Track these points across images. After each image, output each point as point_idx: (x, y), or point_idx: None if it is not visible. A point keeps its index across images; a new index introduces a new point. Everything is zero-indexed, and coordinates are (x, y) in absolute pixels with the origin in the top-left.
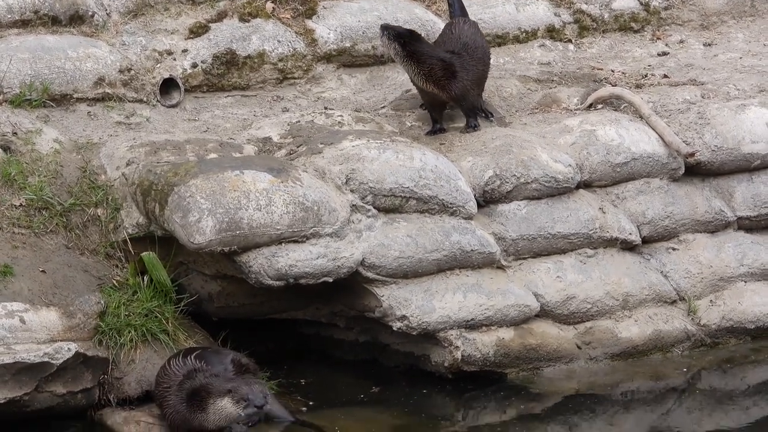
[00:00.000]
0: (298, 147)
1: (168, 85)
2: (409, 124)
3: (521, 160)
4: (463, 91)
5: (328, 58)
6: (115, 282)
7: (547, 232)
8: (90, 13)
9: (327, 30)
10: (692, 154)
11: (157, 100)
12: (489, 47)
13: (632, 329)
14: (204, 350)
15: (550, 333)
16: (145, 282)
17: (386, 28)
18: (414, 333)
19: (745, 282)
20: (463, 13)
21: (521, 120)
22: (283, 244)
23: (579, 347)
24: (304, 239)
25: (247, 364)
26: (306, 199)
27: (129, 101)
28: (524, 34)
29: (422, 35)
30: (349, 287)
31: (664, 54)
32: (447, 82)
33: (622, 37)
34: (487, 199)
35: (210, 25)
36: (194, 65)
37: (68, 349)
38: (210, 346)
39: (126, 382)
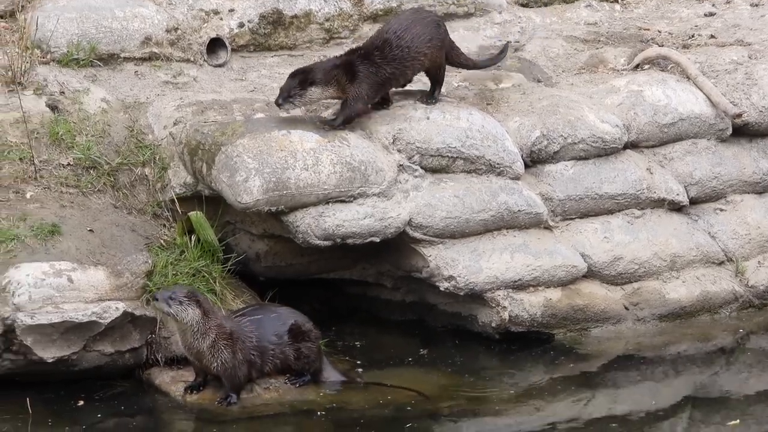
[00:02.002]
0: None
1: (215, 45)
2: (456, 84)
3: (568, 120)
4: (356, 94)
5: (374, 17)
6: (162, 241)
7: (594, 193)
8: None
9: None
10: (739, 115)
11: (204, 60)
12: (435, 36)
13: (680, 290)
14: (264, 316)
15: (598, 294)
16: (193, 242)
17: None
18: (461, 293)
19: None
20: None
21: (568, 80)
22: (330, 204)
23: (626, 308)
24: (351, 199)
25: (308, 332)
26: (353, 159)
27: (176, 61)
28: None
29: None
30: (396, 247)
31: (711, 14)
32: (348, 85)
33: None
34: (534, 160)
35: None
36: (241, 25)
37: (116, 308)
38: (276, 307)
39: (174, 342)
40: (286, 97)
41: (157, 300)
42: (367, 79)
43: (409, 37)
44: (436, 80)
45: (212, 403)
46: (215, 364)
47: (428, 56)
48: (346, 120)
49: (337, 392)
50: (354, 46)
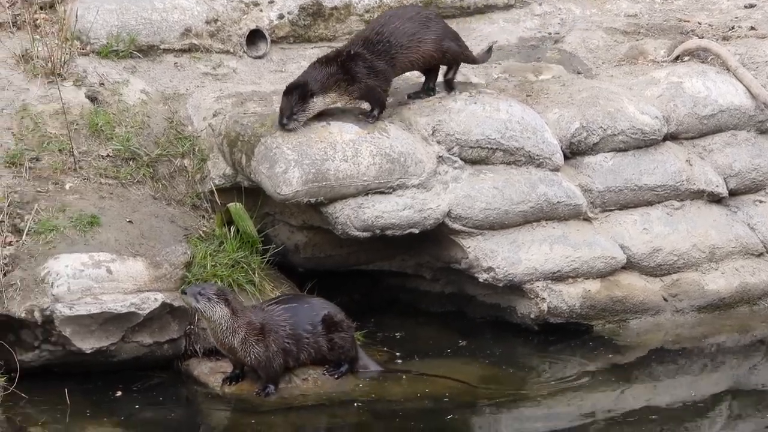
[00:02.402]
0: None
1: (254, 36)
2: (496, 76)
3: (608, 111)
4: (366, 91)
5: None
6: (201, 232)
7: (633, 184)
8: None
9: None
10: None
11: (244, 51)
12: (420, 31)
13: (719, 282)
14: (298, 305)
15: (637, 285)
16: (232, 233)
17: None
18: (500, 285)
19: None
20: None
21: (608, 72)
22: (369, 195)
23: (665, 299)
24: (391, 190)
25: (340, 322)
26: (392, 151)
27: (215, 52)
28: None
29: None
30: (435, 239)
31: (752, 6)
32: (350, 87)
33: None
34: (573, 151)
35: None
36: (281, 16)
37: (155, 299)
38: (308, 298)
39: None
40: (289, 116)
41: (185, 294)
42: (365, 71)
43: (387, 32)
44: (456, 64)
45: (250, 394)
46: (248, 359)
47: (412, 50)
48: (380, 108)
49: (375, 383)
50: (336, 48)
